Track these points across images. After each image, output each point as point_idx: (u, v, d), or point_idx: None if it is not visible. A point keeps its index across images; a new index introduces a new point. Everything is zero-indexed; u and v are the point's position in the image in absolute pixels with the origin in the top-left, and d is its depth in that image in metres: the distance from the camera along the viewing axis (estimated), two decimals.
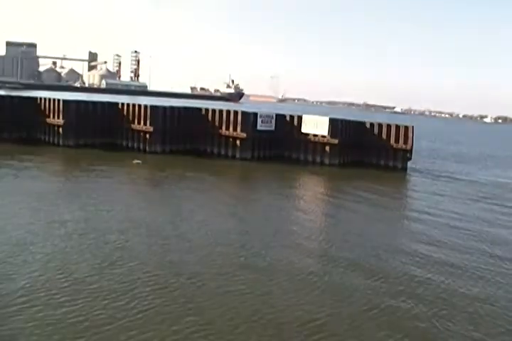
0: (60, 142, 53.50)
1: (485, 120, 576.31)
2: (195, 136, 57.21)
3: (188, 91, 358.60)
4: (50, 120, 54.43)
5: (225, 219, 29.65)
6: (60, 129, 53.75)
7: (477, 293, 20.60)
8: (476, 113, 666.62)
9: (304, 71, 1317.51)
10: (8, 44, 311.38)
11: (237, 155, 54.60)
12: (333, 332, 16.39)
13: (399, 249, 25.90)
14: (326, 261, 23.27)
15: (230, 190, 41.02)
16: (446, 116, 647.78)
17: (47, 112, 54.94)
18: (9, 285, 17.74)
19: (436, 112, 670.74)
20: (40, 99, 56.72)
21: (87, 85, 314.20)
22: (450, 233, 29.42)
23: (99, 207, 29.54)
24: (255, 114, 56.00)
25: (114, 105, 58.17)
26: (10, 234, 23.30)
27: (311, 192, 42.52)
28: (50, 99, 55.58)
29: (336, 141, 54.28)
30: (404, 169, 54.83)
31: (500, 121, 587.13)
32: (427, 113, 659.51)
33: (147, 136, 54.40)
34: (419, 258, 24.42)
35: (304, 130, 56.24)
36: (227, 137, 55.53)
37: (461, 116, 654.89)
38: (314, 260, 23.44)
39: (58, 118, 53.67)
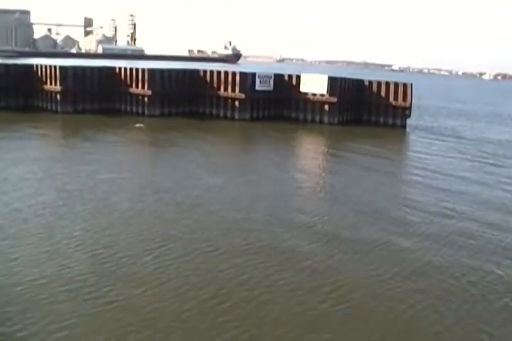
0: (59, 109, 53.27)
1: (483, 77, 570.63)
2: (194, 98, 57.11)
3: (186, 54, 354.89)
4: (48, 87, 54.13)
5: (232, 178, 30.03)
6: (58, 96, 53.47)
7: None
8: (475, 70, 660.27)
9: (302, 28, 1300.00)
10: (1, 11, 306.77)
11: (236, 116, 54.59)
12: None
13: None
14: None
15: (231, 149, 41.33)
16: (445, 73, 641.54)
17: (44, 79, 54.58)
18: None
19: (435, 70, 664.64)
20: (37, 66, 56.29)
21: (83, 51, 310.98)
22: (445, 196, 29.61)
23: (109, 172, 29.66)
24: (253, 75, 55.73)
25: (111, 70, 57.77)
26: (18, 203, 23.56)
27: (310, 151, 42.74)
28: (46, 66, 55.13)
29: (334, 100, 54.15)
30: (404, 126, 54.84)
31: (499, 78, 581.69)
32: (425, 71, 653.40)
33: (146, 99, 54.24)
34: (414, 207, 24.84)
35: (302, 89, 56.06)
36: (226, 98, 55.43)
37: (460, 73, 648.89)
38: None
39: (56, 84, 53.33)
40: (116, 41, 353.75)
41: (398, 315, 14.91)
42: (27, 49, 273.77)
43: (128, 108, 55.78)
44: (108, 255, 17.84)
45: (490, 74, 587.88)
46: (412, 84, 54.80)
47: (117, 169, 30.27)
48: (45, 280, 15.68)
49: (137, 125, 47.59)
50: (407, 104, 54.52)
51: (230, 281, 16.36)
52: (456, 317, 14.93)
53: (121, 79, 55.86)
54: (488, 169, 35.83)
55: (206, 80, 56.69)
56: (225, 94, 55.18)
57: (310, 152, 41.97)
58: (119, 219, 21.58)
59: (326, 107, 54.92)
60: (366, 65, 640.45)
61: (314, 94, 55.22)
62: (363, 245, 20.10)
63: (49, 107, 54.37)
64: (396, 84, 55.42)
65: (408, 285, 16.79)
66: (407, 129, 54.25)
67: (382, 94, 55.70)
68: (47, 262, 16.99)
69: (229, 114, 55.32)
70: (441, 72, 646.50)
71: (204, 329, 13.54)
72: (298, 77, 56.98)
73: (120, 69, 56.76)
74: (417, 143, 47.41)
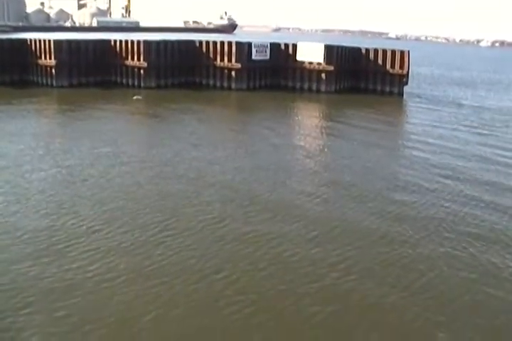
0: (54, 83, 52.83)
1: (481, 44, 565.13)
2: (190, 69, 56.81)
3: (181, 25, 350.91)
4: (42, 61, 53.62)
5: (232, 149, 30.16)
6: (53, 70, 53.04)
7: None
8: (472, 37, 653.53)
9: None
10: None
11: (233, 86, 54.40)
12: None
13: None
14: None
15: (230, 120, 41.41)
16: (443, 41, 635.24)
17: (38, 53, 54.04)
18: None
19: (433, 37, 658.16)
20: (31, 40, 55.67)
21: (77, 25, 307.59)
22: (441, 158, 29.73)
23: (109, 146, 29.66)
24: (249, 44, 55.33)
25: (106, 42, 57.27)
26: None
27: (308, 119, 42.79)
28: (40, 40, 54.52)
29: (331, 68, 53.93)
30: (401, 94, 54.75)
31: (497, 44, 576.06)
32: (423, 38, 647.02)
33: (142, 71, 53.93)
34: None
35: (299, 58, 55.76)
36: (222, 68, 55.15)
37: (457, 40, 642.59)
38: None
39: (50, 58, 52.82)
40: (110, 14, 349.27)
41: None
42: (20, 23, 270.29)
43: (124, 80, 55.48)
44: (109, 230, 17.91)
45: (487, 41, 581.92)
46: (409, 52, 54.49)
47: (117, 142, 30.25)
48: (46, 260, 15.75)
49: (135, 97, 47.44)
50: (404, 72, 54.31)
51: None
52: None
53: (116, 51, 55.42)
54: (482, 138, 35.86)
55: (202, 51, 56.31)
56: (222, 64, 54.88)
57: (308, 122, 41.96)
58: (121, 193, 21.61)
59: (323, 76, 54.73)
60: (363, 33, 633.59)
61: (311, 63, 54.96)
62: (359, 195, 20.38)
63: (44, 82, 53.93)
64: (393, 52, 55.14)
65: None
66: (404, 97, 54.16)
67: (379, 61, 55.45)
68: (47, 239, 17.06)
69: (226, 84, 55.11)
70: (439, 40, 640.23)
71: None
72: (294, 46, 56.60)
73: (115, 41, 56.26)
74: (414, 111, 47.37)
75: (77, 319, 12.66)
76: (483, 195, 23.06)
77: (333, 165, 27.76)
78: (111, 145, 29.41)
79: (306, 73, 55.90)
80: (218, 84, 55.69)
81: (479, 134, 36.67)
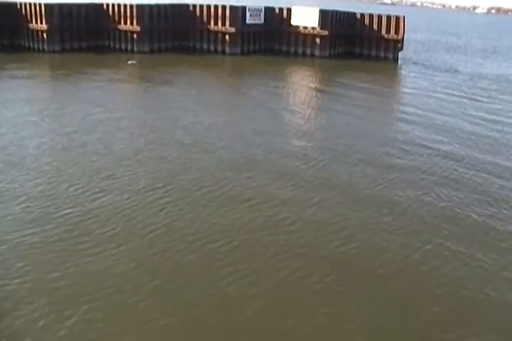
0: (45, 48, 52.00)
1: (477, 11, 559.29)
2: (184, 33, 56.20)
3: None
4: (33, 25, 52.73)
5: (228, 114, 30.09)
6: (44, 34, 52.27)
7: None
8: (468, 3, 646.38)
9: None
10: None
11: (227, 51, 53.96)
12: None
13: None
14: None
15: (225, 85, 41.19)
16: (439, 7, 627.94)
17: (29, 17, 53.14)
18: None
19: (429, 3, 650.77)
20: (21, 4, 54.58)
21: None
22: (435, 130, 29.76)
23: (105, 112, 29.44)
24: (244, 8, 54.63)
25: (98, 6, 56.24)
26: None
27: (302, 84, 42.55)
28: (31, 4, 53.51)
29: (326, 33, 53.52)
30: (396, 60, 54.50)
31: (493, 11, 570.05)
32: (418, 4, 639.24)
33: (135, 36, 53.27)
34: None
35: (293, 22, 55.26)
36: (216, 32, 54.60)
37: (453, 7, 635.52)
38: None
39: (41, 23, 51.95)
40: None
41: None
42: None
43: (117, 45, 54.78)
44: (107, 199, 17.91)
45: (483, 8, 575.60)
46: (404, 17, 54.03)
47: (114, 108, 30.05)
48: (43, 228, 15.81)
49: (130, 62, 46.98)
50: (399, 37, 53.97)
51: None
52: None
53: (109, 15, 54.57)
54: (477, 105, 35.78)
55: (196, 14, 55.59)
56: (216, 28, 54.29)
57: (302, 87, 41.74)
58: (117, 160, 21.55)
59: (318, 40, 54.38)
60: None
61: (305, 27, 54.51)
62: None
63: (35, 46, 53.07)
64: (388, 17, 54.70)
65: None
66: (399, 62, 53.90)
67: (374, 27, 55.04)
68: (44, 208, 17.03)
69: (219, 49, 54.66)
70: (435, 6, 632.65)
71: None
72: (289, 10, 56.03)
73: (108, 5, 55.29)
74: (409, 77, 47.18)
75: (74, 289, 12.72)
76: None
77: (329, 129, 27.85)
78: (107, 111, 29.23)
79: (300, 38, 55.51)
80: (212, 48, 55.22)
81: (475, 100, 36.68)
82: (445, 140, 26.32)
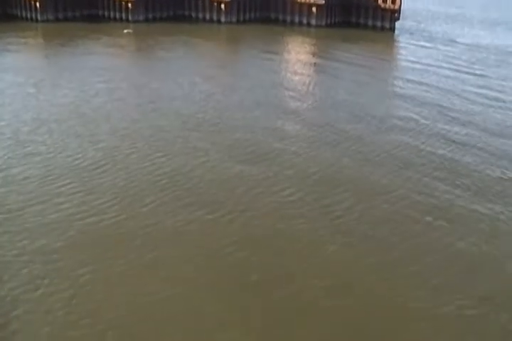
0: (39, 17, 50.98)
1: None
2: (179, 2, 55.26)
3: None
4: None
5: (223, 81, 29.92)
6: (37, 4, 51.26)
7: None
8: None
9: None
10: None
11: (222, 19, 53.16)
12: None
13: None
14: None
15: (223, 54, 40.78)
16: None
17: None
18: None
19: None
20: None
21: None
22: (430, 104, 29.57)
23: (104, 82, 29.24)
24: None
25: None
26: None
27: (298, 54, 42.08)
28: None
29: (322, 2, 52.74)
30: (392, 29, 53.72)
31: None
32: None
33: (129, 5, 52.37)
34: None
35: None
36: (212, 1, 53.67)
37: None
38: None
39: None
40: None
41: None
42: None
43: (112, 14, 53.82)
44: (106, 168, 17.94)
45: None
46: None
47: (111, 78, 29.88)
48: (40, 199, 15.83)
49: (126, 31, 46.45)
50: (396, 7, 53.16)
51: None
52: None
53: None
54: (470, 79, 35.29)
55: None
56: None
57: (298, 57, 41.28)
58: (116, 130, 21.51)
59: (314, 9, 53.56)
60: None
61: None
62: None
63: (29, 16, 51.98)
64: None
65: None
66: (396, 33, 53.14)
67: None
68: (41, 180, 17.05)
69: (215, 18, 53.81)
70: None
71: None
72: None
73: None
74: (404, 48, 46.43)
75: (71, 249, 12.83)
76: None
77: (324, 101, 27.66)
78: (104, 80, 29.06)
79: (296, 6, 54.66)
80: (208, 17, 54.34)
81: (467, 73, 36.08)
82: (437, 117, 26.13)
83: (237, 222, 14.54)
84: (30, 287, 11.79)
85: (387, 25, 54.01)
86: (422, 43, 48.34)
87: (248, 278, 12.47)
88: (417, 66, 37.46)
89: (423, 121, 24.90)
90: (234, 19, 53.20)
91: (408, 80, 32.89)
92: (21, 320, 10.87)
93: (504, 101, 28.95)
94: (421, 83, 32.40)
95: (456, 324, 11.48)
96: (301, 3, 54.03)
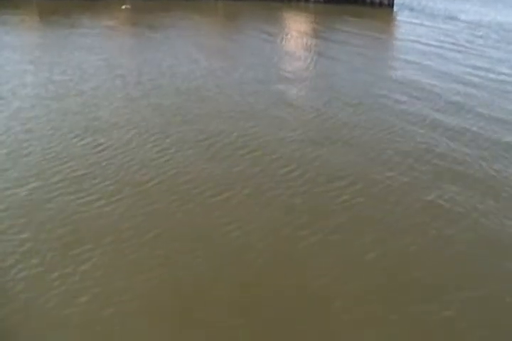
0: None
1: None
2: None
3: None
4: None
5: (224, 57, 29.65)
6: None
7: None
8: None
9: None
10: None
11: None
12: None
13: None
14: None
15: (221, 30, 40.53)
16: None
17: None
18: None
19: None
20: None
21: None
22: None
23: (102, 59, 28.96)
24: None
25: None
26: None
27: (297, 30, 41.85)
28: None
29: None
30: (391, 6, 53.36)
31: None
32: None
33: None
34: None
35: None
36: None
37: None
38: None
39: None
40: None
41: None
42: None
43: None
44: (103, 147, 17.86)
45: None
46: None
47: (110, 55, 29.62)
48: (39, 183, 15.76)
49: (123, 7, 46.10)
50: None
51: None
52: None
53: None
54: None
55: None
56: None
57: (298, 32, 41.05)
58: (114, 108, 21.37)
59: None
60: None
61: None
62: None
63: None
64: None
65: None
66: (395, 9, 52.78)
67: None
68: (41, 161, 16.89)
69: None
70: None
71: None
72: None
73: None
74: (403, 25, 46.12)
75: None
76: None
77: (325, 78, 27.48)
78: (102, 58, 28.79)
79: None
80: None
81: (467, 53, 35.70)
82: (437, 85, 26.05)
83: None
84: None
85: (385, 1, 53.68)
86: (422, 20, 47.90)
87: None
88: (415, 44, 37.04)
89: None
90: None
91: (406, 61, 32.53)
92: None
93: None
94: (413, 63, 31.82)
95: None
96: None
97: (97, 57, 28.87)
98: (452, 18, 50.25)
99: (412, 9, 54.53)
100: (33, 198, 14.12)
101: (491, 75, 29.00)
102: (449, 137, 19.50)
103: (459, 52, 35.52)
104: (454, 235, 12.92)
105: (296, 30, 41.96)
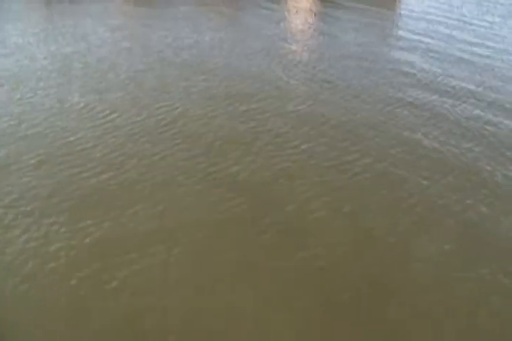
0: None
1: None
2: None
3: None
4: None
5: (227, 30, 29.20)
6: None
7: None
8: None
9: None
10: None
11: None
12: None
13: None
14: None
15: (218, 6, 39.87)
16: None
17: None
18: None
19: None
20: None
21: None
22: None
23: (107, 31, 28.56)
24: None
25: None
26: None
27: (299, 7, 41.19)
28: None
29: None
30: None
31: None
32: None
33: None
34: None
35: None
36: None
37: None
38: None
39: None
40: None
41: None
42: None
43: None
44: (111, 118, 17.56)
45: None
46: None
47: (115, 26, 29.12)
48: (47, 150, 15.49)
49: None
50: None
51: None
52: None
53: None
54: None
55: None
56: None
57: (301, 9, 40.39)
58: (121, 80, 21.02)
59: None
60: None
61: None
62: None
63: None
64: None
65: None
66: None
67: None
68: (48, 132, 16.72)
69: None
70: None
71: None
72: None
73: None
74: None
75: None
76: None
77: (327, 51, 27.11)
78: (108, 29, 28.35)
79: None
80: None
81: (471, 30, 35.14)
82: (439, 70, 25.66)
83: None
84: None
85: None
86: None
87: None
88: (421, 21, 36.51)
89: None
90: None
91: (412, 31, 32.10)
92: None
93: None
94: (418, 42, 31.43)
95: None
96: None
97: (104, 29, 28.46)
98: None
99: None
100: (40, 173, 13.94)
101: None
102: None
103: (457, 29, 34.93)
104: None
105: (299, 7, 41.26)
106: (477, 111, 18.92)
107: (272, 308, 9.35)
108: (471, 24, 36.27)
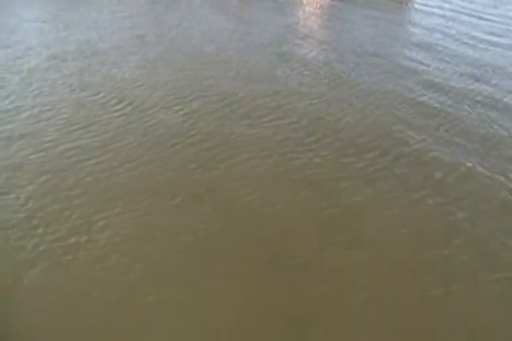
0: None
1: None
2: None
3: None
4: None
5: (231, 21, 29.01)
6: None
7: None
8: None
9: None
10: None
11: None
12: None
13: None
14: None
15: None
16: None
17: None
18: None
19: None
20: None
21: None
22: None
23: (114, 18, 28.38)
24: None
25: None
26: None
27: None
28: None
29: None
30: None
31: None
32: None
33: None
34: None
35: None
36: None
37: None
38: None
39: None
40: None
41: None
42: None
43: None
44: (123, 105, 17.42)
45: None
46: None
47: (132, 14, 28.90)
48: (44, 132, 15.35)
49: None
50: None
51: None
52: None
53: None
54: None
55: None
56: None
57: (309, 2, 40.04)
58: (133, 68, 20.88)
59: None
60: None
61: None
62: None
63: None
64: None
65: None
66: None
67: None
68: (57, 113, 16.59)
69: None
70: None
71: None
72: None
73: None
74: None
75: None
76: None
77: (344, 40, 26.85)
78: (123, 17, 28.12)
79: None
80: None
81: (488, 26, 34.70)
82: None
83: None
84: None
85: None
86: None
87: None
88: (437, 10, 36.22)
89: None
90: None
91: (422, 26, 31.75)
92: None
93: None
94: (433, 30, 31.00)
95: None
96: None
97: (117, 16, 28.31)
98: None
99: None
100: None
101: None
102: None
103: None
104: None
105: (309, 0, 40.93)
106: (494, 115, 18.62)
107: None
108: (487, 20, 35.86)
